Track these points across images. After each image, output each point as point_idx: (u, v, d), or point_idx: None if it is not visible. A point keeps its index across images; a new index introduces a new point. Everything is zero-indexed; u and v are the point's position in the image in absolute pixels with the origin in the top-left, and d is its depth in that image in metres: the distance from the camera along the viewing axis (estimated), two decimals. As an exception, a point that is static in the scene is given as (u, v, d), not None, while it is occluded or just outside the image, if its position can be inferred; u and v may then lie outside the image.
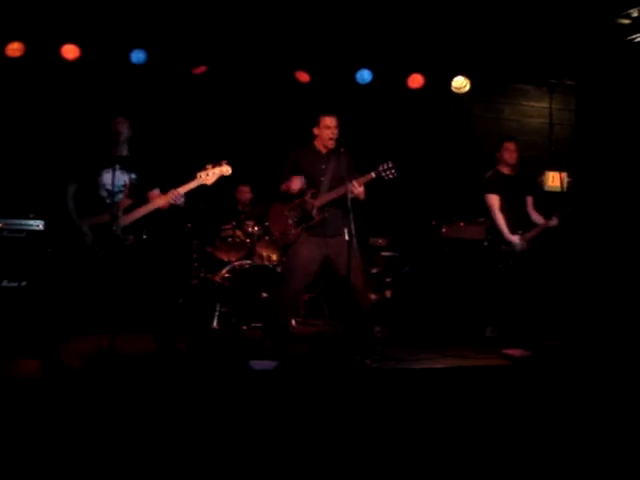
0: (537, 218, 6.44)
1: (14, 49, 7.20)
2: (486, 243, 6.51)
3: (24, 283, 6.05)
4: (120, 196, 5.01)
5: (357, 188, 5.22)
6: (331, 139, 5.40)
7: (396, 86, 8.47)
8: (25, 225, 6.19)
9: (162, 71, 7.78)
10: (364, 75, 8.32)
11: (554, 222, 6.27)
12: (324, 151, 5.51)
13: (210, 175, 5.07)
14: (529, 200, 6.55)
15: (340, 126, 5.47)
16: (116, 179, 4.93)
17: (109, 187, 4.98)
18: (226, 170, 5.14)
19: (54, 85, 7.54)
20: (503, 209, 6.36)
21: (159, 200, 5.04)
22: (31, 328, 5.55)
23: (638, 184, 7.64)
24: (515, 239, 6.25)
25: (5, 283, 6.00)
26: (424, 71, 8.46)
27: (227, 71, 7.99)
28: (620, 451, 3.61)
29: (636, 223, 7.47)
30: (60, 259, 5.14)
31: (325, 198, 5.36)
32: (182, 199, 5.02)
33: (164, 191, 5.09)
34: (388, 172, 5.29)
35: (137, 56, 7.55)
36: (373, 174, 5.30)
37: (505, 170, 6.49)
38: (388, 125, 8.55)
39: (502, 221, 6.30)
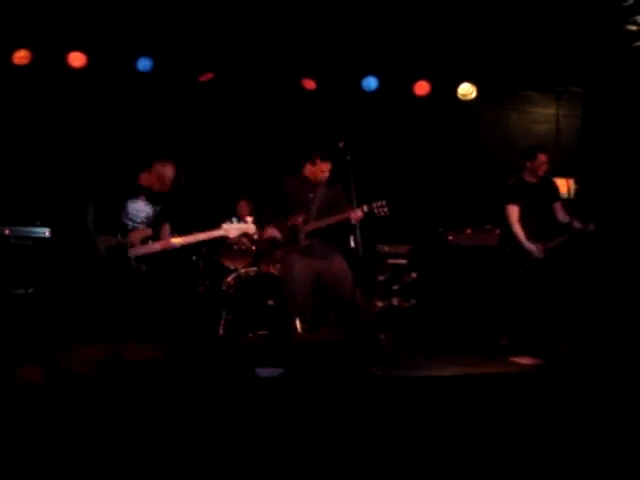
0: (571, 221, 6.32)
1: (21, 57, 7.24)
2: (509, 248, 6.38)
3: (31, 290, 6.06)
4: (141, 225, 5.16)
5: (356, 216, 5.25)
6: (323, 180, 5.52)
7: (402, 93, 8.47)
8: (32, 232, 6.22)
9: (168, 79, 7.79)
10: (370, 82, 8.32)
11: (591, 227, 6.19)
12: (313, 181, 5.57)
13: (234, 230, 5.18)
14: (558, 206, 6.46)
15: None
16: (140, 210, 5.16)
17: (132, 216, 5.15)
18: (250, 229, 5.29)
19: (61, 93, 7.56)
20: (524, 218, 6.27)
21: (156, 245, 5.15)
22: (35, 334, 5.56)
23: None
24: (533, 248, 6.18)
25: (12, 290, 6.01)
26: (430, 78, 8.46)
27: (233, 79, 8.00)
28: (632, 459, 3.58)
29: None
30: (68, 268, 5.17)
31: (313, 226, 5.41)
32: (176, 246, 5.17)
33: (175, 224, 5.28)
34: (380, 210, 5.32)
35: (143, 64, 7.58)
36: (365, 208, 5.31)
37: (530, 179, 6.41)
38: (394, 132, 8.55)
39: (520, 231, 6.23)
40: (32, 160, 7.39)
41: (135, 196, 5.15)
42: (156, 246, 5.11)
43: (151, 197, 5.20)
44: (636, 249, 7.42)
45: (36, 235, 6.22)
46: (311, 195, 5.52)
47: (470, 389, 5.03)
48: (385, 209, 5.31)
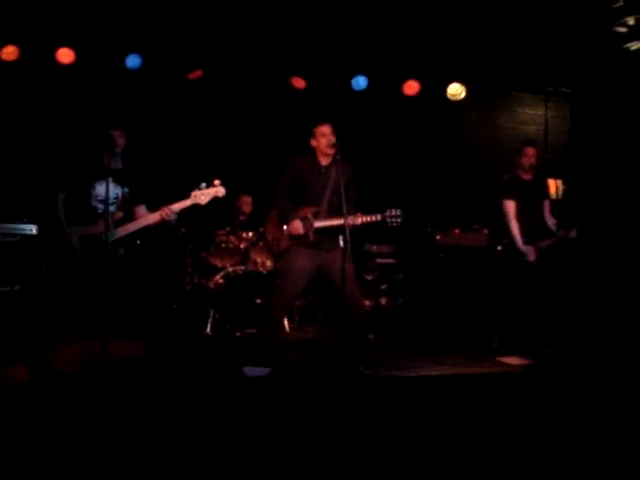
0: (553, 224, 6.36)
1: (9, 53, 7.19)
2: (500, 247, 6.36)
3: (17, 287, 6.02)
4: (112, 208, 5.04)
5: (356, 222, 5.22)
6: (328, 146, 5.39)
7: (392, 93, 8.48)
8: (18, 229, 6.15)
9: (157, 76, 7.76)
10: (360, 81, 8.33)
11: (573, 234, 6.19)
12: (324, 163, 5.49)
13: (204, 195, 5.05)
14: (546, 205, 6.47)
15: (336, 133, 5.44)
16: (109, 192, 4.96)
17: (102, 199, 5.00)
18: (220, 191, 5.11)
19: (49, 89, 7.52)
20: (518, 215, 6.26)
21: (151, 216, 5.05)
22: (21, 333, 5.52)
23: (634, 191, 7.64)
24: (527, 250, 6.17)
25: (-2, 287, 5.97)
26: (420, 78, 8.47)
27: (223, 76, 7.98)
28: (619, 458, 3.59)
29: (632, 229, 7.46)
30: (50, 264, 5.14)
31: (324, 223, 5.34)
32: (174, 217, 5.05)
33: (153, 206, 5.11)
34: (394, 219, 5.23)
35: (132, 61, 7.55)
36: (379, 217, 5.25)
37: (523, 175, 6.39)
38: (383, 132, 8.55)
39: (517, 229, 6.20)
40: (19, 156, 7.34)
41: (102, 178, 4.99)
42: (130, 227, 5.02)
43: (118, 178, 5.08)
44: (623, 249, 7.46)
45: (23, 232, 6.17)
46: (322, 181, 5.43)
47: (458, 389, 5.04)
48: (399, 220, 5.23)
